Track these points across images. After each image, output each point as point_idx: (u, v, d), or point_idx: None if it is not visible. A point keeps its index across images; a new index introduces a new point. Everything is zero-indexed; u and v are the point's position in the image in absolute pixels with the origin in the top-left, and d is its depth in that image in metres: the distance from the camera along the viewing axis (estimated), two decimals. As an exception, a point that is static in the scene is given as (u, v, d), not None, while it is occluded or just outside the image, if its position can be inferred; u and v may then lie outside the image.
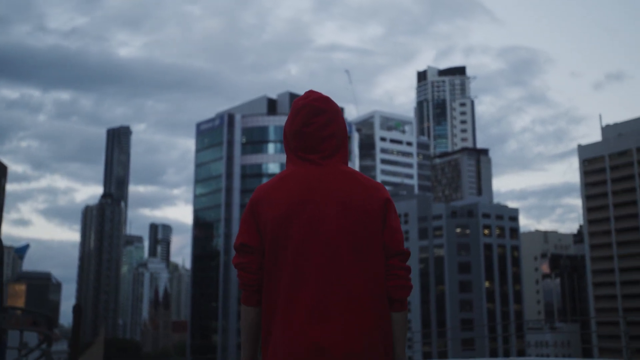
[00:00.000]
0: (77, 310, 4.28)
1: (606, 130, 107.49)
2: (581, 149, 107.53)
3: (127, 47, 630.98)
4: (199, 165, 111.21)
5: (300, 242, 2.26)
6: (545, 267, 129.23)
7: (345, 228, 2.28)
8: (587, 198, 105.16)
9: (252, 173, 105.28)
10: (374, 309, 2.25)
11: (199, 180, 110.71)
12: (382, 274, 2.30)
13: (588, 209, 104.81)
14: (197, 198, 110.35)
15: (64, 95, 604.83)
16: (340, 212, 2.29)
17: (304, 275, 2.23)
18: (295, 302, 2.21)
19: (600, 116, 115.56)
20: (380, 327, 2.25)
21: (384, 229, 2.34)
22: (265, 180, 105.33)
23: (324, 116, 2.42)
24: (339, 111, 2.48)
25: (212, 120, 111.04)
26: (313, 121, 2.40)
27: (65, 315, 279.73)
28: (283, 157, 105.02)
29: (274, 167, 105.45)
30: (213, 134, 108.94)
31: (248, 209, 2.36)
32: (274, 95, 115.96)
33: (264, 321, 2.29)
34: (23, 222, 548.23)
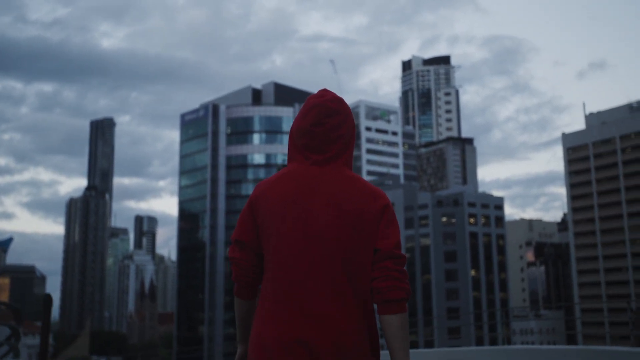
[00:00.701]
0: (46, 301, 4.05)
1: (590, 118, 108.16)
2: (565, 137, 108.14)
3: (110, 38, 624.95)
4: (183, 157, 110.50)
5: (291, 240, 2.26)
6: (530, 255, 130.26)
7: (337, 230, 2.26)
8: (572, 186, 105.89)
9: (237, 164, 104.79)
10: (360, 310, 2.24)
11: (184, 172, 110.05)
12: (369, 278, 2.27)
13: (572, 197, 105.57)
14: (182, 189, 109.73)
15: (47, 87, 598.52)
16: (334, 214, 2.28)
17: (294, 272, 2.24)
18: (284, 298, 2.23)
19: (584, 104, 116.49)
20: (366, 327, 2.24)
21: (380, 231, 2.30)
22: (250, 170, 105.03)
23: (337, 118, 2.38)
24: (350, 114, 2.45)
25: (196, 110, 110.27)
26: (325, 121, 2.36)
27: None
28: (268, 148, 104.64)
29: (259, 158, 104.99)
30: (197, 125, 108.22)
31: (248, 205, 2.37)
32: (258, 86, 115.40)
33: (256, 314, 2.32)
34: (6, 215, 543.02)
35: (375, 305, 2.31)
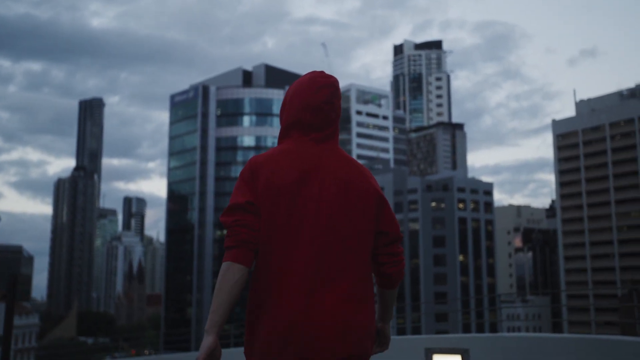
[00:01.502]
0: (12, 281, 3.78)
1: (580, 105, 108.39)
2: (555, 124, 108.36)
3: (100, 17, 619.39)
4: (173, 138, 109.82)
5: (302, 214, 2.24)
6: (517, 241, 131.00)
7: (346, 205, 2.29)
8: (560, 173, 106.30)
9: (227, 146, 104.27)
10: (364, 285, 2.28)
11: (173, 153, 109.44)
12: (370, 254, 2.36)
13: (561, 184, 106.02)
14: (171, 171, 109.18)
15: (35, 66, 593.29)
16: (342, 190, 2.31)
17: (303, 245, 2.21)
18: (291, 271, 2.19)
19: (574, 91, 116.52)
20: (369, 302, 2.29)
21: (385, 215, 2.38)
22: (240, 153, 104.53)
23: (339, 100, 2.47)
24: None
25: (186, 92, 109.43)
26: (333, 101, 2.42)
27: (38, 289, 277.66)
28: (258, 130, 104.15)
29: (249, 140, 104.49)
30: (187, 106, 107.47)
31: (248, 171, 2.28)
32: (249, 68, 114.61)
33: (256, 288, 2.24)
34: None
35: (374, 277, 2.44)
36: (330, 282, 2.19)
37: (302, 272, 2.17)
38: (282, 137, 2.41)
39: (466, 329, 71.65)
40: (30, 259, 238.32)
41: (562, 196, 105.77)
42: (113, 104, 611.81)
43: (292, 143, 2.35)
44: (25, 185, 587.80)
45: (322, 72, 2.44)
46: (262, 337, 2.15)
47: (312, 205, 2.23)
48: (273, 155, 2.30)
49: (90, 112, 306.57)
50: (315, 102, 2.36)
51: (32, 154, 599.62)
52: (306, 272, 2.17)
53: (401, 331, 70.64)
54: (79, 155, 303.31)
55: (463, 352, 4.48)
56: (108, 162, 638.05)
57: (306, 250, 2.19)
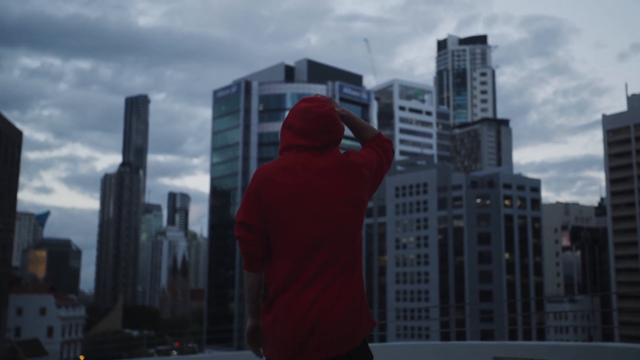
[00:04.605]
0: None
1: (632, 99, 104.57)
2: (605, 119, 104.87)
3: (147, 16, 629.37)
4: (215, 133, 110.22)
5: (306, 226, 2.56)
6: (565, 240, 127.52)
7: (345, 213, 2.60)
8: (611, 169, 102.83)
9: (269, 141, 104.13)
10: (358, 280, 2.63)
11: (215, 148, 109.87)
12: (360, 247, 2.69)
13: (611, 181, 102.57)
14: (214, 166, 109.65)
15: (84, 64, 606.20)
16: (341, 200, 2.61)
17: (310, 248, 2.54)
18: (303, 272, 2.53)
19: (626, 85, 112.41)
20: (362, 295, 2.63)
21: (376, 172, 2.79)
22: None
23: (338, 125, 2.73)
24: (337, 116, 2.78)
25: (229, 87, 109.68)
26: (330, 129, 2.69)
27: (85, 281, 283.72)
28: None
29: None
30: (230, 102, 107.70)
31: (253, 190, 2.60)
32: (292, 64, 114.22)
33: (273, 287, 2.58)
34: (45, 190, 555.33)
35: None
36: (341, 288, 2.53)
37: (307, 275, 2.52)
38: (284, 150, 2.69)
39: (512, 332, 69.83)
40: (78, 253, 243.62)
41: (612, 193, 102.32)
42: (159, 101, 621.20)
43: (293, 156, 2.62)
44: (75, 181, 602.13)
45: (317, 98, 2.71)
46: (279, 333, 2.50)
47: (312, 215, 2.55)
48: (276, 168, 2.59)
49: (136, 108, 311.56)
50: (309, 129, 2.64)
51: (81, 150, 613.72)
52: (311, 275, 2.52)
53: (444, 336, 68.88)
54: (125, 152, 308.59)
55: (542, 364, 3.70)
56: (153, 158, 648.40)
57: (311, 254, 2.53)
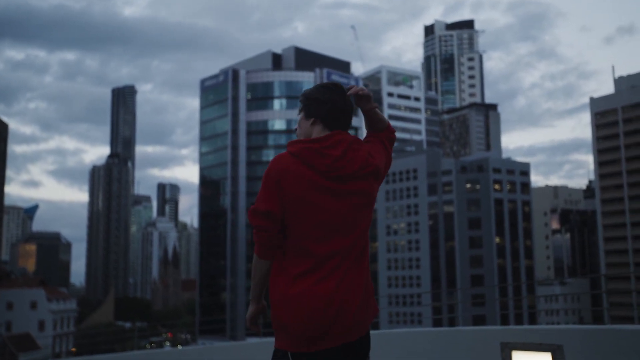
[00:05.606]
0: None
1: (619, 82, 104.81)
2: (593, 101, 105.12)
3: (132, 6, 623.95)
4: (204, 123, 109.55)
5: (325, 216, 2.61)
6: (555, 223, 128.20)
7: (350, 205, 2.66)
8: (599, 152, 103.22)
9: (258, 130, 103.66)
10: (367, 268, 2.74)
11: (204, 138, 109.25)
12: (367, 243, 2.77)
13: (599, 163, 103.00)
14: (202, 156, 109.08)
15: (70, 56, 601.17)
16: (360, 195, 2.68)
17: (328, 240, 2.61)
18: (321, 264, 2.60)
19: (613, 68, 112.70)
20: (370, 282, 2.74)
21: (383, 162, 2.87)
22: (271, 136, 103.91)
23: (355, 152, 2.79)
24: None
25: (216, 76, 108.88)
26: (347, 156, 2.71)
27: (76, 274, 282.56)
28: (289, 114, 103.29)
29: (279, 124, 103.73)
30: (217, 90, 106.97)
31: (274, 179, 2.61)
32: (279, 51, 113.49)
33: (289, 277, 2.62)
34: (33, 183, 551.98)
35: None
36: (356, 277, 2.65)
37: (326, 266, 2.60)
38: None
39: (503, 316, 70.18)
40: (68, 246, 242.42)
41: (600, 176, 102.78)
42: (146, 91, 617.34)
43: (309, 144, 2.63)
44: (63, 174, 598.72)
45: (329, 142, 2.64)
46: (299, 323, 2.54)
47: (325, 209, 2.60)
48: (294, 159, 2.61)
49: (123, 100, 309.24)
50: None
51: (69, 143, 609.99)
52: (328, 265, 2.60)
53: (437, 322, 69.21)
54: (113, 143, 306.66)
55: (555, 350, 3.53)
56: (142, 149, 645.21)
57: (325, 243, 2.60)
